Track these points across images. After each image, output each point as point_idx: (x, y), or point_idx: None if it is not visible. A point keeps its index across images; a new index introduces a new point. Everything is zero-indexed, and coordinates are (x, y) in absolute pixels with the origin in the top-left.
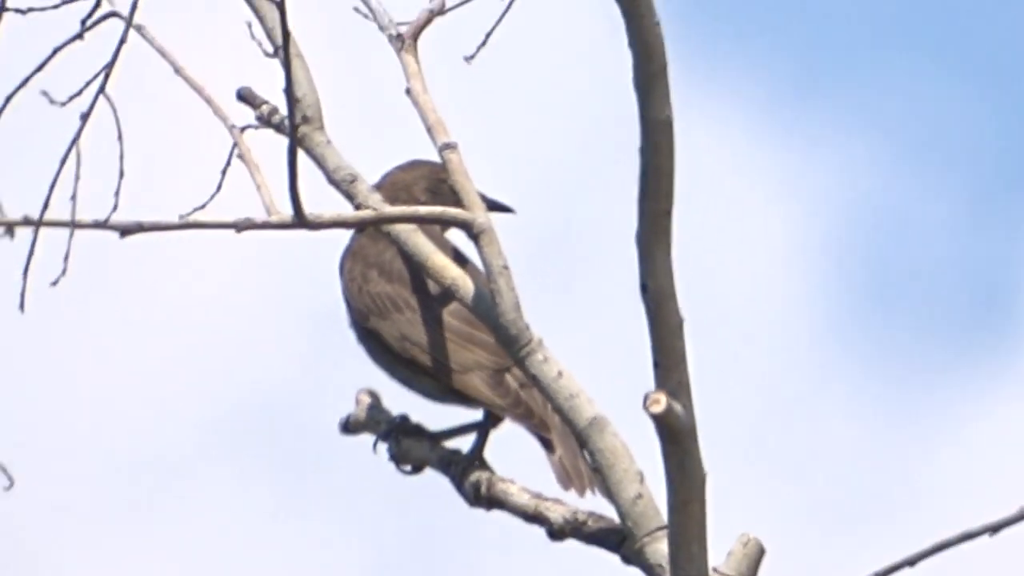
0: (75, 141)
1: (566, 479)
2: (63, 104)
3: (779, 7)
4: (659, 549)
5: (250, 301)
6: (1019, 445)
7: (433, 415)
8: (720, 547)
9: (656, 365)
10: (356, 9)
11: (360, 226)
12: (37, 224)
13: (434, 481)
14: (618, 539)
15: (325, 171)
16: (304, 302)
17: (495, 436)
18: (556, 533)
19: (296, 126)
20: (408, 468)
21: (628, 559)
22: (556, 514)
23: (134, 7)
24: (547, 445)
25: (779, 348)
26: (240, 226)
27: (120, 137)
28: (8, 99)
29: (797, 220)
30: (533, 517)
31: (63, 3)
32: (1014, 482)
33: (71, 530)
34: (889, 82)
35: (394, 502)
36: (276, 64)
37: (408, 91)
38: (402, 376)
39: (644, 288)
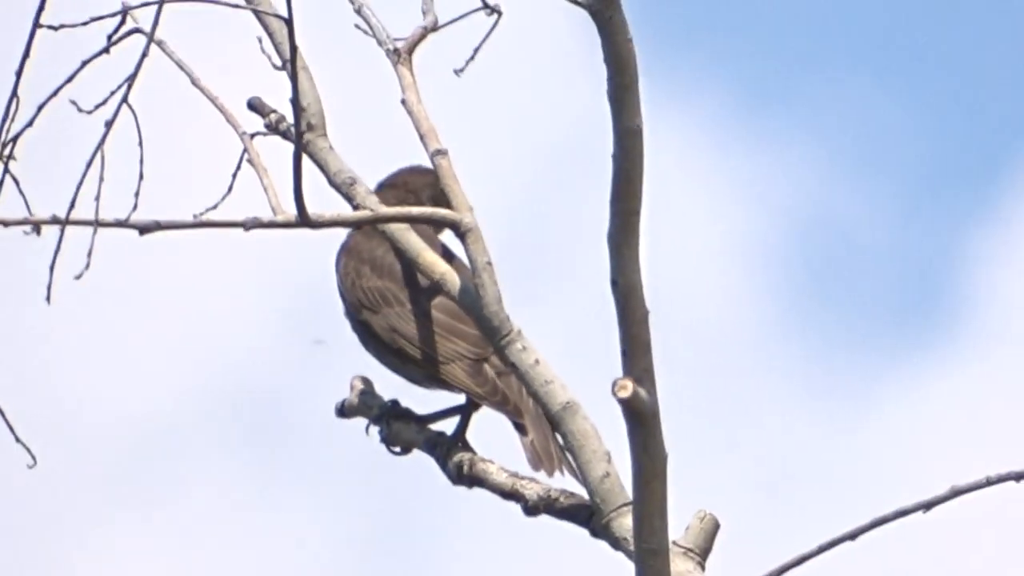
0: (100, 146)
1: (537, 460)
2: (89, 112)
3: (731, 28)
4: (624, 523)
5: (241, 295)
6: (949, 428)
7: (420, 399)
8: (679, 522)
9: (624, 353)
10: (357, 26)
11: (358, 225)
12: (63, 223)
13: (421, 461)
14: (587, 514)
15: (327, 174)
16: (292, 295)
17: (476, 420)
18: (531, 509)
19: (301, 133)
20: (397, 449)
21: (596, 533)
22: (531, 491)
23: (155, 24)
24: (521, 429)
25: (732, 338)
26: (248, 225)
27: (140, 143)
28: (40, 108)
29: (747, 221)
30: (510, 494)
31: (91, 20)
32: (945, 462)
33: (61, 507)
34: (829, 94)
35: (384, 479)
36: (284, 76)
37: (403, 101)
38: (390, 363)
39: (614, 283)
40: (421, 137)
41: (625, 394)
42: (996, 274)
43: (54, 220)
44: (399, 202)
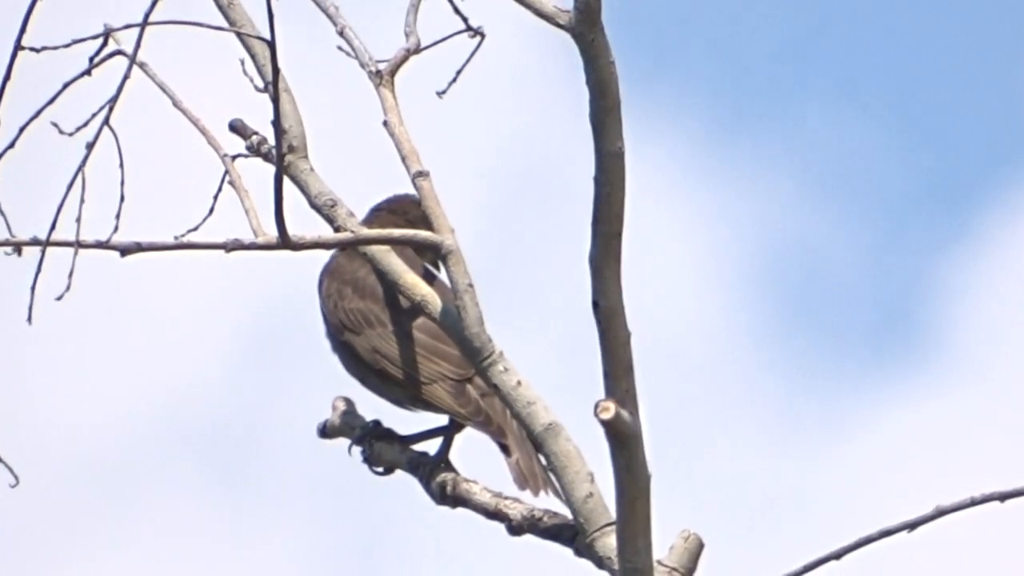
0: (81, 168)
1: (522, 480)
2: (71, 134)
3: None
4: (608, 543)
5: (208, 318)
6: (927, 451)
7: (403, 420)
8: (663, 541)
9: (606, 375)
10: (339, 48)
11: (339, 247)
12: (45, 244)
13: (404, 481)
14: (571, 534)
15: (308, 196)
16: (259, 317)
17: (460, 440)
18: (515, 529)
19: (283, 155)
20: (380, 470)
21: (580, 552)
22: (515, 511)
23: (137, 46)
24: (505, 449)
25: (712, 360)
26: (229, 246)
27: (122, 164)
28: (22, 129)
29: (723, 245)
30: (494, 514)
31: (73, 42)
32: (922, 485)
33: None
34: (803, 121)
35: (366, 501)
36: (266, 98)
37: (385, 123)
38: (372, 385)
39: (596, 305)
40: (403, 159)
41: (607, 416)
42: (970, 300)
43: (35, 241)
44: (392, 227)
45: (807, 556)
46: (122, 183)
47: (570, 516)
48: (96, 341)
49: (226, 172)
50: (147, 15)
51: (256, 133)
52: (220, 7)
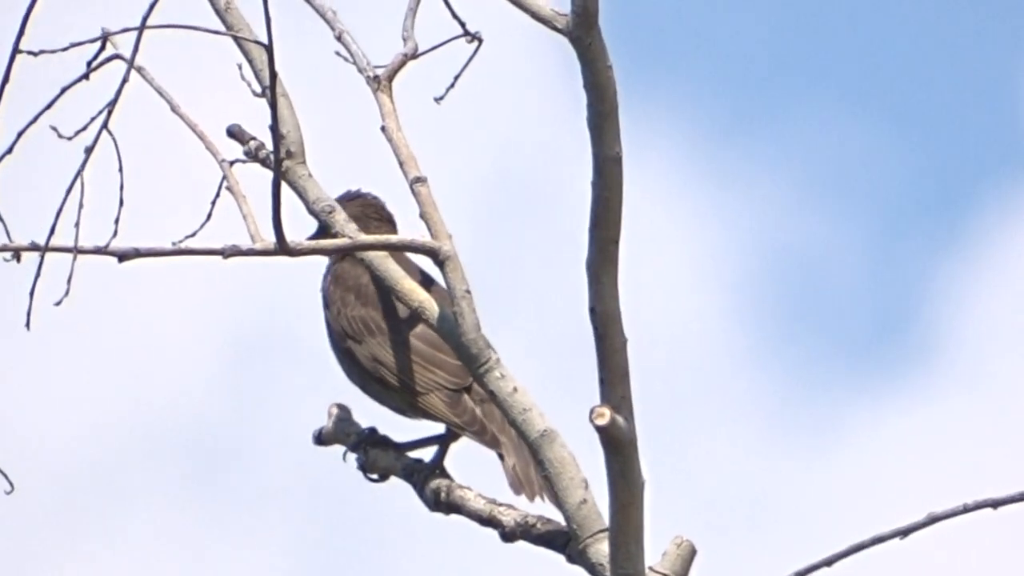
0: (79, 173)
1: (518, 485)
2: (69, 139)
3: (703, 57)
4: (601, 549)
5: (192, 325)
6: (921, 458)
7: (399, 427)
8: (656, 548)
9: (602, 381)
10: (337, 53)
11: (337, 252)
12: (43, 249)
13: (398, 488)
14: (564, 540)
15: (306, 202)
16: (244, 326)
17: (455, 448)
18: (508, 535)
19: (280, 160)
20: (375, 476)
21: (573, 558)
22: (508, 518)
23: (135, 50)
24: (501, 456)
25: (707, 367)
26: (227, 252)
27: (120, 169)
28: (20, 133)
29: (719, 250)
30: (487, 521)
31: (71, 46)
32: (916, 491)
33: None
34: (800, 125)
35: (361, 508)
36: (263, 103)
37: (383, 128)
38: (374, 393)
39: (592, 311)
40: (401, 164)
41: (603, 422)
42: (966, 305)
43: (33, 247)
44: (367, 222)
45: (799, 563)
46: (121, 188)
47: (563, 523)
48: (94, 346)
49: (224, 177)
50: (145, 19)
51: (254, 138)
52: (217, 11)
